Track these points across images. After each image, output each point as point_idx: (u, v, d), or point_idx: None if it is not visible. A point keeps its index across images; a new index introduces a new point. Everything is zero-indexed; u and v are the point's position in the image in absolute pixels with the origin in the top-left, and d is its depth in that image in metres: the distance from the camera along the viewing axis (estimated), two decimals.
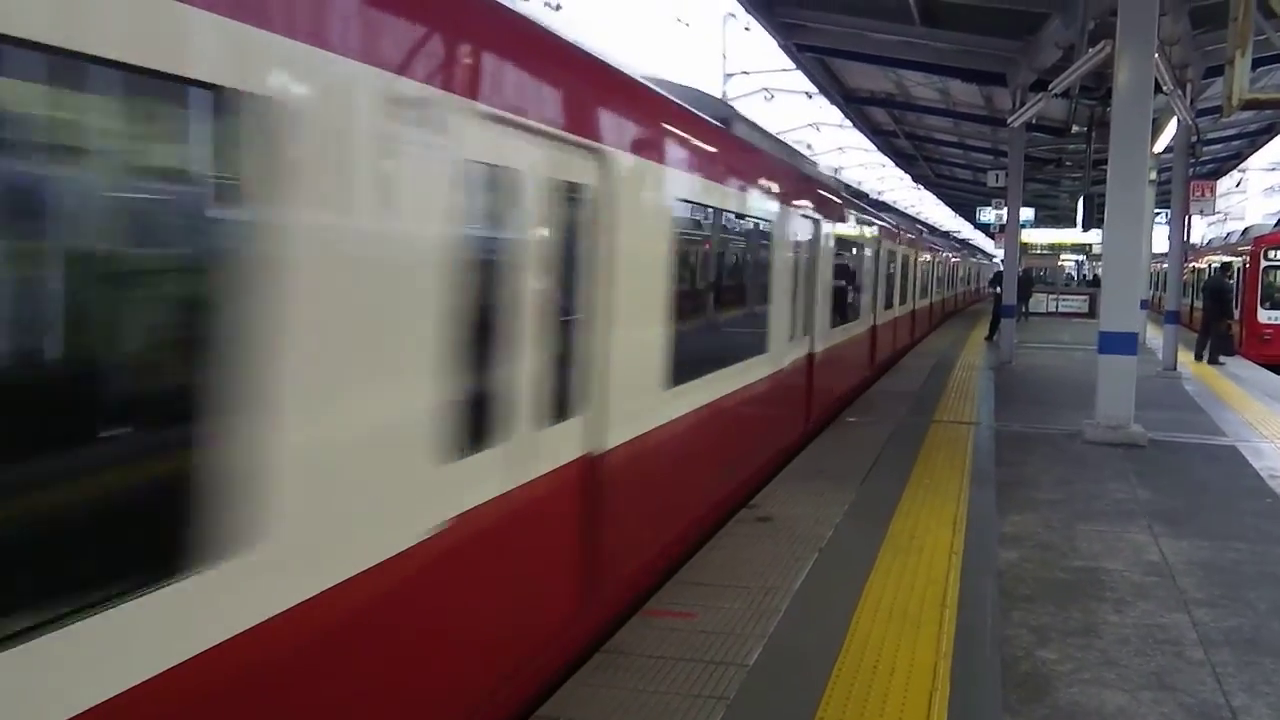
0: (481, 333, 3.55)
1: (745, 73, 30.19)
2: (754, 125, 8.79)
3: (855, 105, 21.93)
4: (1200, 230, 37.08)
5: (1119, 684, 4.41)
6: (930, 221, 51.85)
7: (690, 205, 6.03)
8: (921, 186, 42.08)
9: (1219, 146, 24.53)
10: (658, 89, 5.77)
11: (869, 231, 13.83)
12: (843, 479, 8.10)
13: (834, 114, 25.70)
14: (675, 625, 4.89)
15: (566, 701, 4.11)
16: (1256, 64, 9.19)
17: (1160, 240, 25.92)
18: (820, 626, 4.93)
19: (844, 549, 6.23)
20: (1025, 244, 29.42)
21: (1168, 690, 4.36)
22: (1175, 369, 16.50)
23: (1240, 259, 22.49)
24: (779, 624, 4.94)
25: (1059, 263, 43.24)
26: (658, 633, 4.80)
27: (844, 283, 11.95)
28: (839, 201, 11.53)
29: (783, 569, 5.79)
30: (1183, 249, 18.88)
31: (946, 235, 50.01)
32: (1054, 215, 37.17)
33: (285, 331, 2.54)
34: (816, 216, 9.94)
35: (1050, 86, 13.78)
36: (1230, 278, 20.80)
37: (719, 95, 27.89)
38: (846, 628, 4.91)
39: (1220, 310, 17.99)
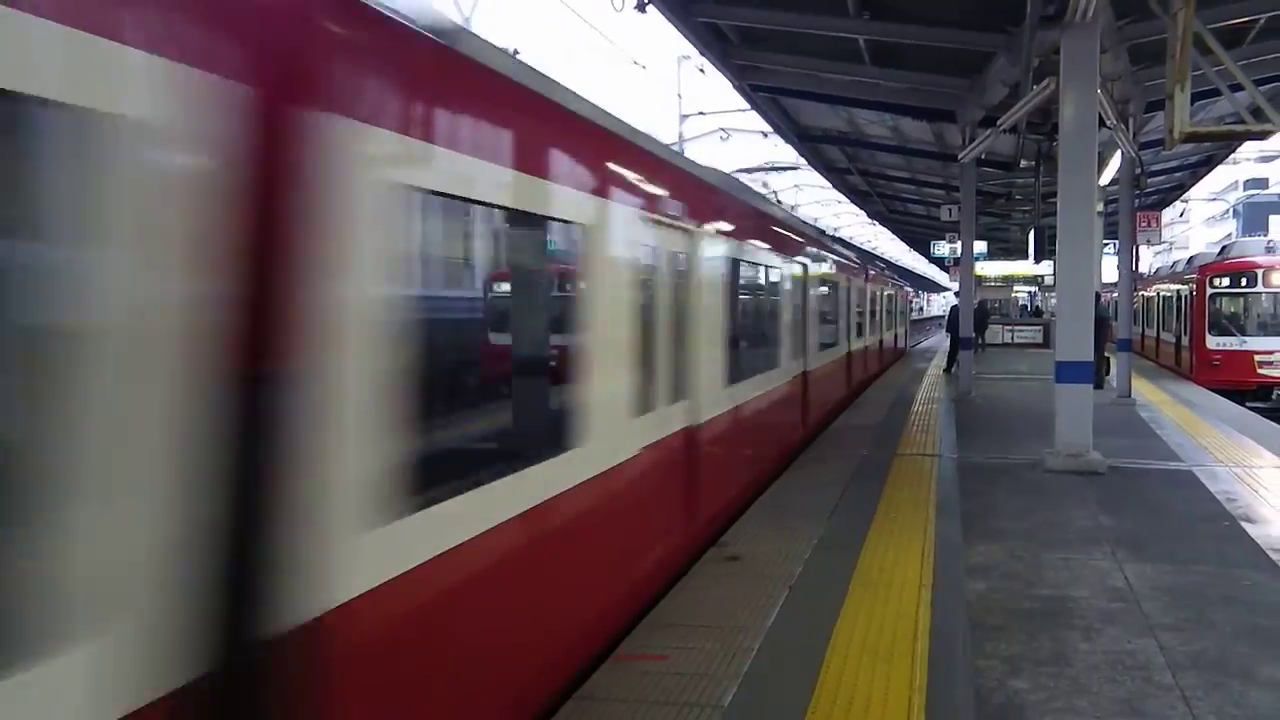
0: (645, 345, 5.72)
1: (701, 113, 30.51)
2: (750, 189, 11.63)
3: (809, 143, 22.26)
4: (1147, 259, 37.93)
5: (1091, 711, 4.43)
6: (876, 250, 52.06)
7: (730, 260, 8.00)
8: (876, 222, 42.70)
9: (1162, 178, 25.19)
10: (712, 181, 7.91)
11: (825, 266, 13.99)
12: (809, 515, 8.11)
13: (789, 152, 26.06)
14: (648, 668, 4.85)
15: None
16: (1195, 98, 9.46)
17: (1110, 270, 26.53)
18: (793, 664, 4.91)
19: (814, 585, 6.23)
20: (979, 276, 29.84)
21: (1139, 716, 4.38)
22: (1130, 396, 16.78)
23: (1186, 287, 22.94)
24: (752, 663, 4.92)
25: (1012, 294, 43.92)
26: (630, 677, 4.75)
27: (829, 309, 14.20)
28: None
29: (754, 607, 5.77)
30: (1132, 278, 19.26)
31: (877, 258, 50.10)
32: (1006, 247, 37.80)
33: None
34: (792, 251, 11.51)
35: (998, 123, 14.11)
36: (1109, 309, 21.13)
37: (677, 136, 28.46)
38: (820, 664, 4.90)
39: (1100, 340, 18.51)
